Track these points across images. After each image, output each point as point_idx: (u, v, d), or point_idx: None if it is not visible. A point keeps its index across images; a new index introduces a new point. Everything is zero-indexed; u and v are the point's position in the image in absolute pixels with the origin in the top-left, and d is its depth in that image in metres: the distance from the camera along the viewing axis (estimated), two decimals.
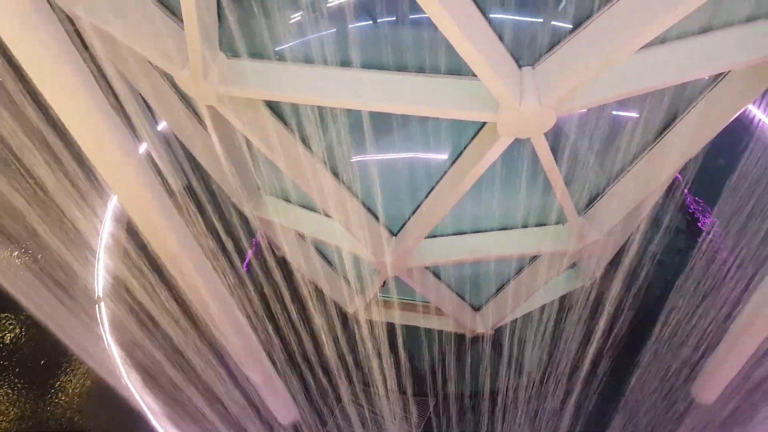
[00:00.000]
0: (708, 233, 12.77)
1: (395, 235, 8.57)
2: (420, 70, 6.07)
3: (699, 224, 13.55)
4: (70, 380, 12.83)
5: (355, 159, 7.97)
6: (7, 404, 12.33)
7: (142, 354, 11.03)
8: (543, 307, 10.45)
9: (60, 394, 12.59)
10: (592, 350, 9.99)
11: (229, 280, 9.49)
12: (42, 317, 9.82)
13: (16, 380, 12.74)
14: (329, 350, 10.22)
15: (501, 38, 5.47)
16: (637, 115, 8.12)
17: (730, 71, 6.81)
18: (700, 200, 13.65)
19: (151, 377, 11.09)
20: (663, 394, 10.49)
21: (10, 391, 12.57)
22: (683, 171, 9.19)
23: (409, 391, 11.12)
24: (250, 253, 12.39)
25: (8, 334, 13.28)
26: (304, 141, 7.47)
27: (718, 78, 7.02)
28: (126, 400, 11.10)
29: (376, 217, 8.36)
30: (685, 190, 13.45)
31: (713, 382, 10.22)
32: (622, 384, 10.37)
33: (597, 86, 5.98)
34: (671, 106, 7.49)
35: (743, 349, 9.26)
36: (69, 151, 7.48)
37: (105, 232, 13.80)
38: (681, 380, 10.61)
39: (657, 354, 10.35)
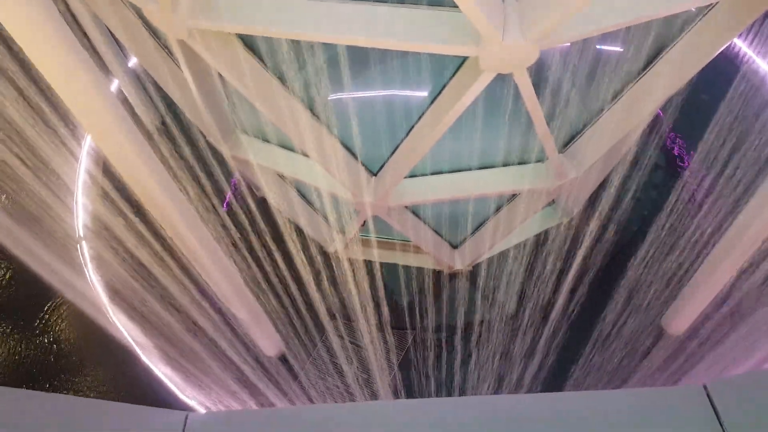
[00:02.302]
0: (686, 170, 12.92)
1: (375, 175, 8.51)
2: (399, 0, 5.83)
3: (678, 160, 13.65)
4: (58, 318, 12.96)
5: (333, 97, 7.77)
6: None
7: (127, 293, 11.11)
8: (521, 244, 10.62)
9: (49, 331, 12.74)
10: (566, 285, 10.25)
11: (209, 219, 9.44)
12: (24, 258, 9.78)
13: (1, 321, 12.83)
14: (311, 287, 10.36)
15: None
16: (621, 50, 7.97)
17: (717, 2, 6.64)
18: (680, 136, 13.69)
19: (137, 315, 11.23)
20: (635, 326, 10.87)
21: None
22: (664, 106, 9.15)
23: (389, 325, 11.44)
24: (229, 193, 12.28)
25: None
26: (280, 77, 7.24)
27: (704, 10, 6.85)
28: (115, 337, 11.27)
29: (356, 157, 8.26)
30: (666, 126, 13.46)
31: (683, 314, 10.61)
32: (596, 316, 10.69)
33: (582, 19, 5.81)
34: (656, 40, 7.34)
35: (714, 283, 9.55)
36: (39, 90, 7.21)
37: (82, 172, 13.54)
38: (653, 312, 11.00)
39: (631, 288, 10.64)
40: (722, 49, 6.94)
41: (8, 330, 12.64)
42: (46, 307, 13.02)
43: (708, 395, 2.25)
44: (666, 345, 10.75)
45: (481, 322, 11.14)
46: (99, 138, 7.07)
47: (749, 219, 8.48)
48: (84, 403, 2.46)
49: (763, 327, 9.77)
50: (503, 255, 10.85)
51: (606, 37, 7.35)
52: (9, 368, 12.13)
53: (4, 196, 10.75)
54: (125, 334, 11.34)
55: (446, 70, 6.73)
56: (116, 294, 11.62)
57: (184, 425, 2.18)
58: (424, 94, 7.57)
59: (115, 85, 12.36)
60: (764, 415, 2.24)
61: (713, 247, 9.43)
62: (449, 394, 11.17)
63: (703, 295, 9.97)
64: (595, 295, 10.56)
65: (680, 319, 10.71)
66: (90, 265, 12.28)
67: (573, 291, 10.32)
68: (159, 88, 9.19)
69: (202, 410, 11.32)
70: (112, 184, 9.84)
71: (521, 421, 2.29)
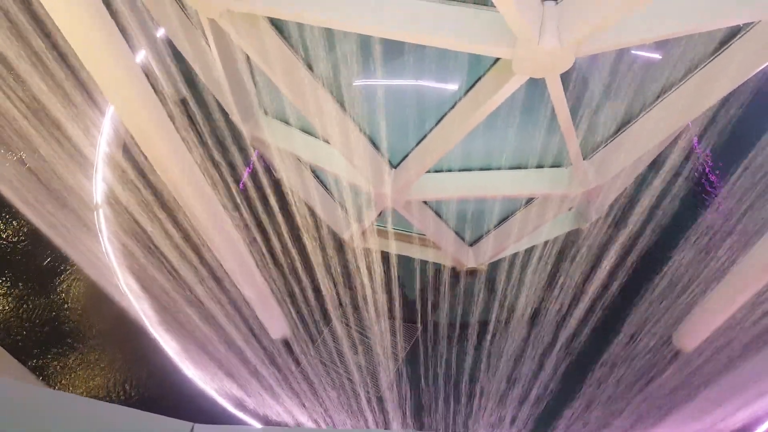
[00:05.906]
0: (713, 185, 12.65)
1: (395, 168, 8.41)
2: None
3: (708, 179, 13.37)
4: (70, 284, 13.08)
5: (359, 83, 7.64)
6: (10, 299, 12.63)
7: (138, 265, 11.14)
8: (540, 246, 10.47)
9: (62, 296, 12.87)
10: (579, 292, 10.11)
11: (225, 197, 9.41)
12: (39, 222, 9.84)
13: (17, 281, 12.99)
14: (322, 273, 10.32)
15: None
16: (659, 57, 7.75)
17: (759, 21, 6.42)
18: (712, 157, 13.40)
19: (147, 288, 11.27)
20: (648, 340, 10.69)
21: (11, 288, 12.85)
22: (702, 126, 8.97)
23: (398, 317, 11.39)
24: (246, 172, 12.23)
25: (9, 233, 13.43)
26: (308, 63, 7.14)
27: (748, 26, 6.63)
28: (123, 307, 11.33)
29: (377, 148, 8.16)
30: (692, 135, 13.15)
31: (696, 331, 10.43)
32: (608, 331, 10.51)
33: (621, 27, 5.64)
34: (695, 51, 7.13)
35: (731, 302, 9.36)
36: (64, 58, 7.18)
37: (103, 141, 13.56)
38: (665, 327, 10.80)
39: (645, 301, 10.45)
40: (764, 66, 6.72)
41: (20, 290, 12.81)
42: (60, 272, 13.16)
43: None
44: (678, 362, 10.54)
45: (492, 321, 11.01)
46: (120, 108, 7.03)
47: None
48: (90, 404, 2.43)
49: None
50: (519, 256, 10.72)
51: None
52: (17, 328, 12.30)
53: (21, 158, 10.80)
54: (135, 305, 11.40)
55: (478, 66, 6.58)
56: (129, 266, 11.68)
57: None
58: (454, 87, 7.41)
59: (141, 55, 12.33)
60: None
61: (734, 265, 9.23)
62: (451, 389, 11.09)
63: (719, 313, 9.78)
64: (611, 305, 10.33)
65: (693, 335, 10.53)
66: (105, 234, 12.35)
67: (585, 297, 10.15)
68: (183, 62, 9.13)
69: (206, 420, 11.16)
70: (131, 156, 9.84)
71: None
